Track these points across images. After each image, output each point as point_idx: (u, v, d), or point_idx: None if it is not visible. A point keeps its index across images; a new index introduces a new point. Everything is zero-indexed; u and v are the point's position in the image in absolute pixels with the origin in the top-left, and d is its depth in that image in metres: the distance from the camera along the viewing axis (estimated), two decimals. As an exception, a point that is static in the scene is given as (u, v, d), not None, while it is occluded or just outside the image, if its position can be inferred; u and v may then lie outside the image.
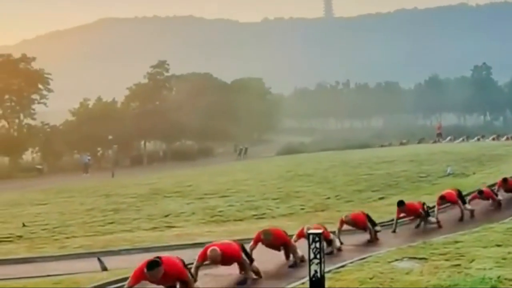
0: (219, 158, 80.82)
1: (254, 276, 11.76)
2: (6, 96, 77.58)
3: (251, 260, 11.90)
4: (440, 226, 17.37)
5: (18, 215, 25.50)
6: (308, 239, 9.37)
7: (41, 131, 79.17)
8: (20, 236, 20.43)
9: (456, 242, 14.17)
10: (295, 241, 13.70)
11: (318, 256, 9.17)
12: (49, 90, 79.61)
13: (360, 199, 23.19)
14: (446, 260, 12.13)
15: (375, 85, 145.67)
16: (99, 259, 14.61)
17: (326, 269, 10.32)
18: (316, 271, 9.16)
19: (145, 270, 9.01)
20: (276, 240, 13.17)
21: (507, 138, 61.37)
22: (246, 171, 40.66)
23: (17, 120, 78.85)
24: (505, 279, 10.22)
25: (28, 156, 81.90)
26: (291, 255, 13.45)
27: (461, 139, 64.69)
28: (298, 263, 13.16)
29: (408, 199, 18.79)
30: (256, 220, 21.42)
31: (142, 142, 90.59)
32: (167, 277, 9.29)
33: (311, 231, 9.91)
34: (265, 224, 18.35)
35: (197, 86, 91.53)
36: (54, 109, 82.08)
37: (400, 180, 27.41)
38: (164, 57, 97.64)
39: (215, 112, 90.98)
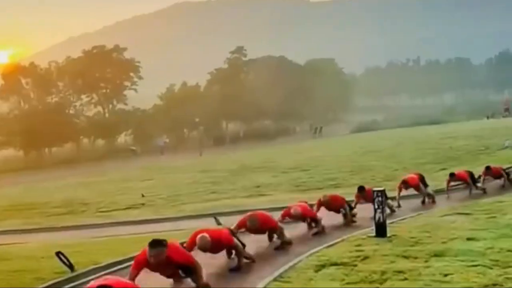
0: (296, 137, 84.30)
1: (247, 261, 11.14)
2: (102, 84, 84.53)
3: (243, 245, 11.31)
4: (485, 192, 20.50)
5: (133, 189, 30.40)
6: (373, 194, 13.36)
7: (133, 115, 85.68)
8: (143, 204, 25.17)
9: (500, 202, 17.53)
10: (280, 221, 13.62)
11: (380, 206, 13.13)
12: (140, 78, 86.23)
13: (423, 170, 26.55)
14: (486, 214, 15.52)
15: (446, 61, 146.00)
16: (215, 217, 18.82)
17: (390, 221, 14.27)
18: (379, 218, 13.15)
19: (148, 248, 8.47)
20: (262, 225, 12.59)
21: None
22: (322, 149, 44.57)
23: (110, 106, 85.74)
24: None
25: (122, 138, 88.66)
26: (275, 238, 13.06)
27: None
28: (285, 245, 12.75)
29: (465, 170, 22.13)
30: (334, 189, 25.14)
31: (224, 124, 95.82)
32: (170, 262, 8.79)
33: (375, 188, 13.92)
34: (341, 191, 22.08)
35: (273, 69, 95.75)
36: (141, 94, 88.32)
37: (461, 154, 30.66)
38: (239, 39, 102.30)
39: (290, 94, 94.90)
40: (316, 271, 10.34)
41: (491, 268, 9.63)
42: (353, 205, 16.54)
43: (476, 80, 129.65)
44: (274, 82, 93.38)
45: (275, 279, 9.82)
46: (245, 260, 10.94)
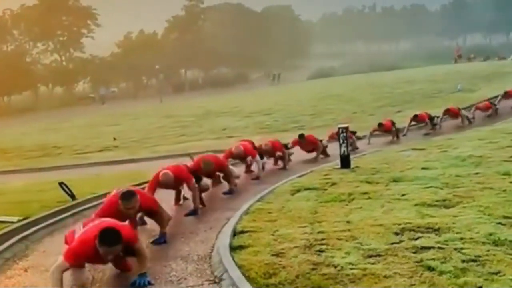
0: (254, 84, 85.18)
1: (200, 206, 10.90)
2: (58, 32, 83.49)
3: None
4: (439, 128, 22.43)
5: (102, 133, 31.48)
6: (338, 131, 14.88)
7: (91, 62, 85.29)
8: (116, 146, 26.31)
9: (450, 139, 19.28)
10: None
11: (344, 141, 14.66)
12: (97, 25, 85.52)
13: (381, 113, 28.28)
14: (438, 149, 17.13)
15: (401, 8, 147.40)
16: (190, 156, 20.11)
17: (353, 156, 15.87)
18: (344, 151, 14.70)
19: (120, 200, 7.91)
20: (215, 169, 12.56)
21: None
22: (283, 94, 46.03)
23: (68, 54, 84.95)
24: (473, 155, 15.23)
25: (80, 86, 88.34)
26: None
27: (481, 58, 68.41)
28: (233, 190, 12.70)
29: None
30: (298, 130, 26.61)
31: (183, 71, 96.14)
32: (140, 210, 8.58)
33: (340, 125, 15.42)
34: (305, 132, 23.54)
35: (230, 16, 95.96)
36: (99, 42, 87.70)
37: (417, 97, 32.56)
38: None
39: (248, 41, 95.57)
40: (292, 194, 11.76)
41: (442, 189, 11.09)
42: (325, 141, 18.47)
43: (431, 26, 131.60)
44: (231, 30, 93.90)
45: (258, 200, 11.26)
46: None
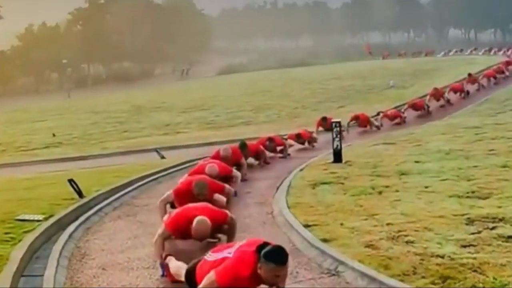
0: (159, 79, 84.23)
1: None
2: None
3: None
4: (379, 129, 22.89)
5: (34, 129, 30.04)
6: (331, 126, 15.10)
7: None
8: (60, 143, 25.23)
9: (411, 133, 19.94)
10: None
11: (338, 136, 14.90)
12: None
13: (324, 108, 28.87)
14: (409, 143, 17.61)
15: (303, 5, 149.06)
16: (157, 151, 19.69)
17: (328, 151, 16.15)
18: (337, 145, 14.93)
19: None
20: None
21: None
22: (206, 89, 45.71)
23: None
24: (453, 149, 15.66)
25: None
26: None
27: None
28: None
29: (361, 108, 24.70)
30: (246, 126, 26.80)
31: (86, 65, 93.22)
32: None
33: (333, 120, 15.68)
34: (254, 128, 23.73)
35: (134, 9, 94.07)
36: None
37: (351, 93, 33.47)
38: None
39: (151, 35, 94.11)
40: (312, 188, 11.82)
41: (458, 181, 11.18)
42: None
43: (333, 24, 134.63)
44: (135, 23, 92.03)
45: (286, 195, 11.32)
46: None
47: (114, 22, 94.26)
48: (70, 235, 9.05)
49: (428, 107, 26.09)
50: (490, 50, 63.56)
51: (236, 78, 57.77)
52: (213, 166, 10.29)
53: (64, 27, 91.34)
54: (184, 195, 8.25)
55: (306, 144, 19.22)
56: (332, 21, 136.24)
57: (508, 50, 56.54)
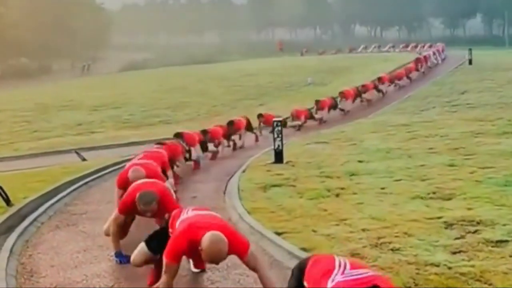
0: (58, 75, 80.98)
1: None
2: None
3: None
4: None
5: None
6: (273, 125, 14.55)
7: None
8: (-37, 143, 23.22)
9: (341, 132, 19.68)
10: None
11: (279, 135, 14.38)
12: None
13: (243, 106, 28.34)
14: (343, 142, 17.25)
15: (208, 0, 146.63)
16: (77, 152, 18.47)
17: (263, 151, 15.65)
18: (278, 145, 14.40)
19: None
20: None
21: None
22: (113, 86, 43.90)
23: None
24: (393, 148, 15.48)
25: None
26: None
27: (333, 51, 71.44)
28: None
29: (281, 105, 24.38)
30: (166, 125, 25.74)
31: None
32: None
33: (275, 119, 15.11)
34: (175, 127, 22.80)
35: (31, 2, 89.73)
36: None
37: (270, 90, 33.04)
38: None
39: (49, 30, 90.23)
40: (264, 191, 11.18)
41: (413, 181, 10.86)
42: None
43: (237, 20, 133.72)
44: (31, 17, 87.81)
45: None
46: None
47: (11, 16, 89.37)
48: (11, 251, 7.93)
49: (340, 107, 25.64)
50: (406, 46, 64.85)
51: (144, 74, 56.01)
52: (138, 169, 8.39)
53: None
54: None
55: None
56: (237, 17, 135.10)
57: (424, 47, 57.61)
